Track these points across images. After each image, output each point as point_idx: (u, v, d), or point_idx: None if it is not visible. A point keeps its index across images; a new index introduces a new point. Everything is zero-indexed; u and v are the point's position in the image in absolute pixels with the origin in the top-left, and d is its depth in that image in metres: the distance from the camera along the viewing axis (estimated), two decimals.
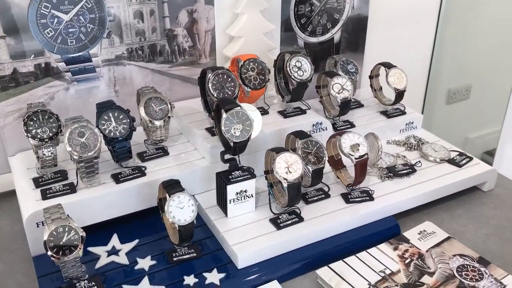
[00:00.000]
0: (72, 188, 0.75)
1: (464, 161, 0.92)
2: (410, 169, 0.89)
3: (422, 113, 1.19)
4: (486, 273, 0.72)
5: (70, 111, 0.85)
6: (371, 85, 1.06)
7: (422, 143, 0.98)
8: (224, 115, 0.73)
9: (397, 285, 0.70)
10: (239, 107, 0.74)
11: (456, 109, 1.79)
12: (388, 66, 1.01)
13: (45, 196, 0.73)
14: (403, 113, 1.03)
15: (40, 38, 0.81)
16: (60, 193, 0.74)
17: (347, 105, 0.94)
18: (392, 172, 0.88)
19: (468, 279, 0.71)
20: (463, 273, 0.72)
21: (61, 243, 0.63)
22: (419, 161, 0.92)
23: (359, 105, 1.06)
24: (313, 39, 1.08)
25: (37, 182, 0.77)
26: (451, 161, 0.92)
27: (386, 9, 1.16)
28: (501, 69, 1.87)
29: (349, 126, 0.97)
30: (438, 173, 0.89)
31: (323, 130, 0.91)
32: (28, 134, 0.74)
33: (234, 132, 0.74)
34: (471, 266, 0.74)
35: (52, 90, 0.85)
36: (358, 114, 1.03)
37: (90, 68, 0.87)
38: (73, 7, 0.81)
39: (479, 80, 1.80)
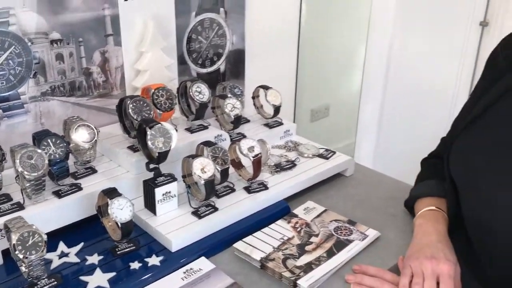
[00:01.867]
0: (20, 206, 0.87)
1: (330, 155, 1.21)
2: (292, 164, 1.15)
3: None
4: (354, 230, 0.99)
5: (3, 143, 0.97)
6: (254, 104, 1.32)
7: (297, 145, 1.25)
8: (148, 131, 0.92)
9: (293, 246, 0.94)
10: (160, 124, 0.93)
11: (319, 125, 2.13)
12: (266, 88, 1.27)
13: None
14: (281, 124, 1.30)
15: None
16: (10, 211, 0.86)
17: (238, 120, 1.18)
18: (279, 168, 1.13)
19: (342, 235, 0.98)
20: (338, 231, 0.99)
21: (27, 245, 0.76)
22: (298, 158, 1.18)
23: (246, 120, 1.30)
24: (204, 70, 1.31)
25: None
26: (320, 156, 1.20)
27: (258, 42, 1.44)
28: (352, 89, 2.28)
29: (242, 136, 1.20)
30: (312, 165, 1.16)
31: (223, 140, 1.14)
32: None
33: (158, 144, 0.93)
34: (343, 227, 1.00)
35: None
36: (247, 127, 1.27)
37: (18, 105, 0.99)
38: (3, 53, 0.94)
39: (336, 100, 2.17)
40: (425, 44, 2.09)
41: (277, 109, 1.27)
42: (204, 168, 0.96)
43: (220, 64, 1.34)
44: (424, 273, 0.80)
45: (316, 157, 1.20)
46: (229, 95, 1.23)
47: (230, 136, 1.19)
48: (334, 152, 1.23)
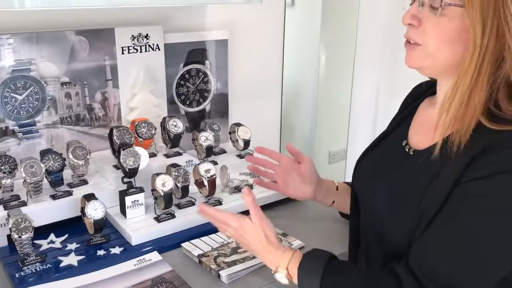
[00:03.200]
0: (23, 203, 1.17)
1: None
2: (249, 187, 1.39)
3: None
4: (284, 239, 1.21)
5: (21, 157, 1.28)
6: (230, 138, 1.58)
7: None
8: (122, 152, 1.21)
9: (229, 248, 1.17)
10: (131, 147, 1.22)
11: (337, 167, 2.34)
12: (238, 125, 1.54)
13: (6, 208, 1.15)
14: (251, 154, 1.55)
15: (2, 111, 1.26)
16: (15, 206, 1.16)
17: (210, 150, 1.44)
18: (237, 189, 1.38)
19: None
20: None
21: (20, 227, 1.05)
22: (255, 183, 1.42)
23: (223, 151, 1.57)
24: (191, 109, 1.60)
25: None
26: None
27: (241, 88, 1.72)
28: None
29: (214, 163, 1.46)
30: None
31: (193, 165, 1.40)
32: None
33: (128, 162, 1.21)
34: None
35: (9, 144, 1.29)
36: (223, 157, 1.53)
37: (35, 130, 1.32)
38: (25, 91, 1.28)
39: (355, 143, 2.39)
40: None
41: (246, 143, 1.53)
42: (165, 183, 1.22)
43: (206, 105, 1.63)
44: None
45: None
46: (208, 130, 1.50)
47: (206, 161, 1.45)
48: None
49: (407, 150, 0.97)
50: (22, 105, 1.29)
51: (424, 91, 1.05)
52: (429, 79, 1.04)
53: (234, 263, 1.11)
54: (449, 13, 0.82)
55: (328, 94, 2.94)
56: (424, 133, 0.95)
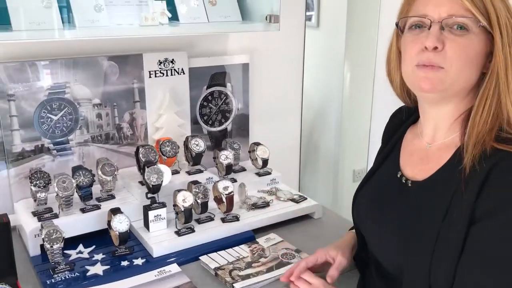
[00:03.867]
0: (56, 216, 1.27)
1: (301, 200, 1.50)
2: (266, 204, 1.46)
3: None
4: (297, 255, 1.27)
5: (55, 172, 1.39)
6: (250, 157, 1.65)
7: (278, 190, 1.55)
8: (146, 169, 1.30)
9: (244, 262, 1.23)
10: (155, 165, 1.31)
11: None
12: (257, 144, 1.61)
13: (40, 220, 1.25)
14: (269, 173, 1.61)
15: (39, 130, 1.37)
16: (49, 218, 1.26)
17: (230, 168, 1.52)
18: (254, 206, 1.45)
19: (286, 259, 1.25)
20: (284, 256, 1.26)
21: (51, 238, 1.15)
22: (272, 200, 1.49)
23: (243, 169, 1.64)
24: (213, 129, 1.69)
25: (34, 213, 1.28)
26: (292, 200, 1.50)
27: (261, 108, 1.79)
28: None
29: (233, 180, 1.54)
30: (283, 206, 1.46)
31: (213, 182, 1.47)
32: (32, 184, 1.27)
33: (152, 179, 1.30)
34: (290, 253, 1.28)
35: (44, 160, 1.39)
36: (242, 175, 1.61)
37: (68, 147, 1.43)
38: (60, 112, 1.39)
39: None
40: None
41: (265, 161, 1.60)
42: (186, 199, 1.30)
43: (228, 125, 1.71)
44: None
45: (289, 201, 1.50)
46: (228, 149, 1.58)
47: (225, 179, 1.53)
48: (306, 198, 1.51)
49: (404, 181, 0.98)
50: (57, 125, 1.40)
51: (403, 119, 1.08)
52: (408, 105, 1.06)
53: (248, 276, 1.17)
54: (472, 35, 0.86)
55: (352, 112, 2.99)
56: (416, 164, 0.98)
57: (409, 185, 0.97)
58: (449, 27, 0.86)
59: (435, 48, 0.86)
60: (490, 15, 0.84)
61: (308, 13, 3.09)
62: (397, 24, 0.95)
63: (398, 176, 1.00)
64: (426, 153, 0.98)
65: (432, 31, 0.86)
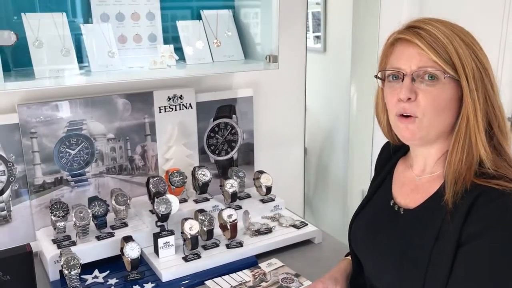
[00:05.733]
0: (73, 243, 1.38)
1: (301, 226, 1.59)
2: (269, 230, 1.55)
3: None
4: (296, 280, 1.36)
5: (73, 202, 1.51)
6: (254, 184, 1.75)
7: (280, 216, 1.65)
8: (156, 200, 1.41)
9: (246, 286, 1.33)
10: (164, 196, 1.42)
11: None
12: (261, 172, 1.71)
13: (59, 247, 1.37)
14: (272, 200, 1.71)
15: (58, 164, 1.50)
16: (67, 245, 1.37)
17: (235, 196, 1.62)
18: (257, 232, 1.54)
19: (285, 283, 1.34)
20: (284, 280, 1.35)
21: (69, 264, 1.26)
22: (274, 226, 1.58)
23: (248, 196, 1.74)
24: (220, 158, 1.79)
25: (54, 241, 1.40)
26: (294, 226, 1.59)
27: (265, 137, 1.90)
28: None
29: (238, 207, 1.64)
30: (284, 232, 1.55)
31: (218, 209, 1.58)
32: (52, 214, 1.39)
33: (161, 209, 1.41)
34: (289, 277, 1.37)
35: (63, 191, 1.52)
36: (247, 201, 1.70)
37: (84, 179, 1.55)
38: (77, 146, 1.51)
39: None
40: None
41: (268, 189, 1.70)
42: (192, 227, 1.41)
43: (233, 154, 1.81)
44: None
45: (291, 227, 1.59)
46: (233, 177, 1.68)
47: (229, 207, 1.63)
48: (307, 224, 1.61)
49: (397, 209, 1.07)
50: (75, 158, 1.52)
51: (392, 152, 1.17)
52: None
53: None
54: (441, 83, 0.94)
55: (360, 134, 3.07)
56: (408, 194, 1.07)
57: (402, 212, 1.06)
58: (421, 78, 0.95)
59: (409, 99, 0.95)
60: (456, 65, 0.93)
61: (315, 34, 3.21)
62: (376, 76, 1.04)
63: (391, 204, 1.09)
64: (416, 184, 1.07)
65: (405, 83, 0.96)
